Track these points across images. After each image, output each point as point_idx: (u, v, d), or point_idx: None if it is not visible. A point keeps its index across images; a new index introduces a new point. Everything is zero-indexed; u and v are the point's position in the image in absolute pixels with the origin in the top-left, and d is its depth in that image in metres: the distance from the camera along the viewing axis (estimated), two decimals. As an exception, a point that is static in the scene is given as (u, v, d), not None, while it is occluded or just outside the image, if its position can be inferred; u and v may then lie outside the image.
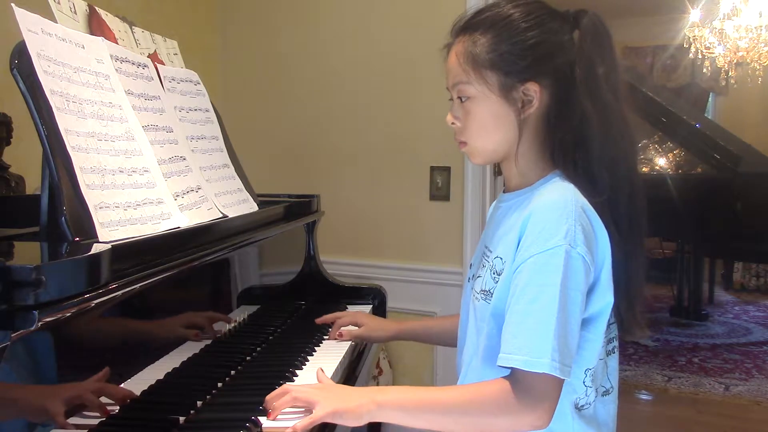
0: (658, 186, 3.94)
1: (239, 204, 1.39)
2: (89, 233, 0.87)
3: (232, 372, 1.22)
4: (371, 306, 1.77)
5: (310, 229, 1.82)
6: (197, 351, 1.11)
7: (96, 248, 0.81)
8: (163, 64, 1.39)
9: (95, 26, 1.17)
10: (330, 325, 1.49)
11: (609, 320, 0.98)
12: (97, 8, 1.20)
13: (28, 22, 0.91)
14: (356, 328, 1.45)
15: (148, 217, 1.01)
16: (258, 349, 1.36)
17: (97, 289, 0.77)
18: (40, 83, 0.89)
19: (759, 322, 4.78)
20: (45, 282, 0.67)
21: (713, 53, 4.15)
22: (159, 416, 0.97)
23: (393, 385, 2.36)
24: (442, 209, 2.33)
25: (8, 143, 1.56)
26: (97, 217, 0.89)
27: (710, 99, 6.23)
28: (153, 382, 0.95)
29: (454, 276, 2.28)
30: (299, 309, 1.70)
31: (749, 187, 3.85)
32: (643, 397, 3.36)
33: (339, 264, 2.28)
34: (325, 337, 1.45)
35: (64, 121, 0.90)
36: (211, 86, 1.66)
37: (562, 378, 0.89)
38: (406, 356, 2.43)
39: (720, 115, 6.04)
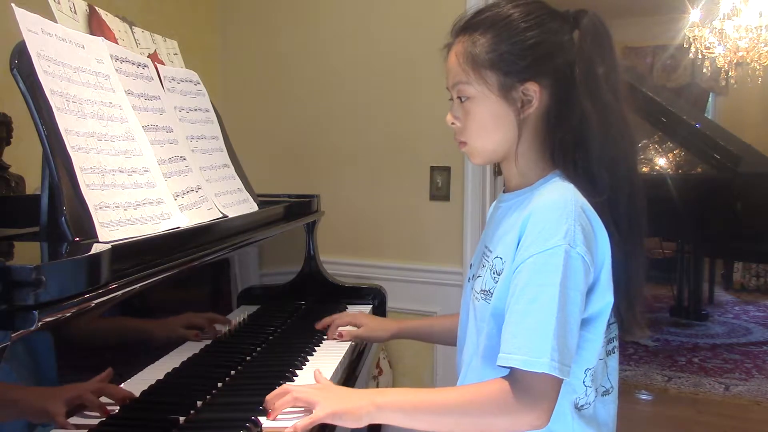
0: (658, 186, 3.94)
1: (239, 204, 1.39)
2: (89, 233, 0.87)
3: (232, 372, 1.22)
4: (371, 306, 1.77)
5: (310, 229, 1.82)
6: (197, 351, 1.11)
7: (96, 248, 0.81)
8: (163, 64, 1.39)
9: (95, 26, 1.17)
10: (330, 325, 1.49)
11: (609, 320, 0.98)
12: (97, 8, 1.20)
13: (28, 22, 0.91)
14: (356, 328, 1.45)
15: (148, 217, 1.01)
16: (258, 349, 1.36)
17: (97, 289, 0.77)
18: (40, 83, 0.89)
19: (759, 322, 4.78)
20: (45, 282, 0.67)
21: (713, 53, 4.15)
22: (159, 416, 0.97)
23: (393, 385, 2.37)
24: (442, 209, 2.33)
25: (8, 143, 1.56)
26: (97, 217, 0.89)
27: (710, 99, 6.23)
28: (153, 382, 0.95)
29: (454, 276, 2.28)
30: (299, 309, 1.70)
31: (749, 187, 3.85)
32: (643, 397, 3.36)
33: (339, 264, 2.28)
34: (325, 337, 1.45)
35: (64, 121, 0.90)
36: (211, 86, 1.66)
37: (562, 378, 0.89)
38: (406, 356, 2.43)
39: (720, 115, 6.04)
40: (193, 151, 1.29)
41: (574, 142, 1.00)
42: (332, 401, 0.96)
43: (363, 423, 0.95)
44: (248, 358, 1.31)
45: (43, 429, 0.72)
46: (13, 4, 0.90)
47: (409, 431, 0.99)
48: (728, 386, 3.45)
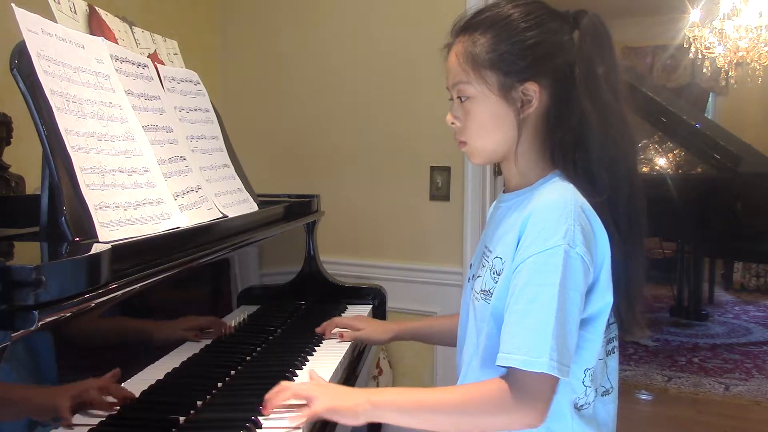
0: (658, 186, 3.94)
1: (239, 204, 1.39)
2: (89, 233, 0.87)
3: (232, 372, 1.22)
4: (371, 306, 1.77)
5: (310, 229, 1.82)
6: (197, 351, 1.11)
7: (96, 248, 0.81)
8: (163, 64, 1.39)
9: (95, 26, 1.17)
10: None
11: (609, 320, 0.98)
12: (97, 8, 1.20)
13: (28, 22, 0.91)
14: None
15: (148, 217, 1.01)
16: (258, 349, 1.36)
17: (97, 289, 0.77)
18: (40, 83, 0.89)
19: (759, 322, 4.78)
20: (45, 282, 0.67)
21: (713, 53, 4.15)
22: (159, 416, 0.98)
23: (393, 385, 2.37)
24: (442, 209, 2.33)
25: (8, 143, 1.56)
26: (97, 217, 0.89)
27: (710, 99, 6.23)
28: (153, 382, 0.96)
29: (454, 276, 2.28)
30: (299, 309, 1.70)
31: (749, 187, 3.85)
32: (643, 397, 3.36)
33: (339, 264, 2.28)
34: (324, 337, 1.45)
35: (64, 121, 0.90)
36: (211, 86, 1.66)
37: (561, 378, 0.89)
38: (406, 356, 2.43)
39: (720, 115, 6.04)
40: (193, 151, 1.29)
41: (573, 142, 1.00)
42: (330, 397, 0.96)
43: (360, 420, 0.95)
44: (248, 358, 1.31)
45: (42, 429, 0.72)
46: (13, 4, 0.90)
47: (408, 431, 0.99)
48: (728, 386, 3.45)
